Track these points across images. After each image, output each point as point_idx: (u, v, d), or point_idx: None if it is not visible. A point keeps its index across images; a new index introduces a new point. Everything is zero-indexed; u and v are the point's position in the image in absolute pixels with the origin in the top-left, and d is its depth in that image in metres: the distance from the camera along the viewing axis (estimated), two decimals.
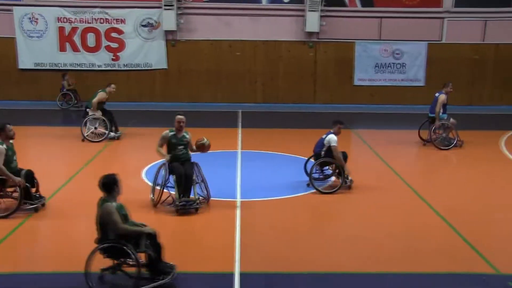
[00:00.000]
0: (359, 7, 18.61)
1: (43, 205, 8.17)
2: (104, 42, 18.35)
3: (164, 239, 6.06)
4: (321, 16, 18.09)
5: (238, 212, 8.21)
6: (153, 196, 8.32)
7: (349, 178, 9.35)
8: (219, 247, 7.02)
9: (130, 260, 5.74)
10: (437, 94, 12.77)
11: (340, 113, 17.56)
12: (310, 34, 18.47)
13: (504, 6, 18.65)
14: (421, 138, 13.20)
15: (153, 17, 18.20)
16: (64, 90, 17.48)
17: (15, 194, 7.89)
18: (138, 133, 13.87)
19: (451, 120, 12.69)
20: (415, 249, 7.26)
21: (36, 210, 7.99)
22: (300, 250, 7.06)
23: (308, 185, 9.47)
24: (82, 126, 12.92)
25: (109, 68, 18.47)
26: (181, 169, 8.12)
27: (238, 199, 8.80)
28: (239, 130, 14.43)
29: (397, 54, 19.01)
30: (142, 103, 18.30)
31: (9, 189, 7.92)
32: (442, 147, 12.54)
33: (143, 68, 18.59)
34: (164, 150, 8.40)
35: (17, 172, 7.87)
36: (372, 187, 9.79)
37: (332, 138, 9.30)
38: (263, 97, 18.98)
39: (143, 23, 18.28)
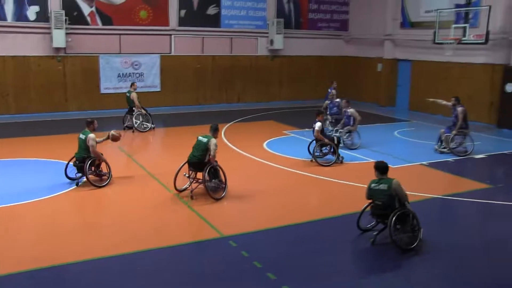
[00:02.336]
0: (100, 25, 20.44)
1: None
2: None
3: None
4: (67, 33, 19.35)
5: None
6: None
7: (341, 156, 12.90)
8: None
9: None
10: (329, 90, 17.52)
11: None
12: (58, 49, 19.63)
13: (215, 27, 22.76)
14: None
15: None
16: None
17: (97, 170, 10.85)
18: None
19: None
20: (164, 225, 8.49)
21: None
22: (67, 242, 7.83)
23: (311, 160, 12.76)
24: (134, 120, 16.66)
25: None
26: None
27: None
28: None
29: (136, 65, 21.39)
30: None
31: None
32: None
33: None
34: None
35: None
36: (121, 180, 11.09)
37: (316, 124, 12.57)
38: (16, 109, 19.40)
39: None
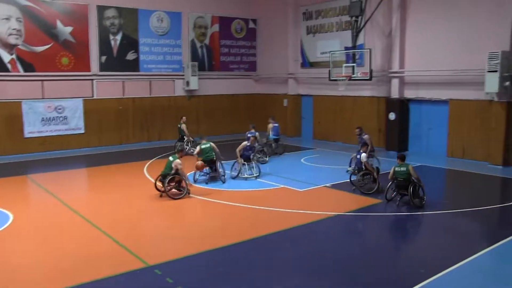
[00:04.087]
0: (22, 72, 19.64)
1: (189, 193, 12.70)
2: None
3: None
4: None
5: None
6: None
7: (381, 184, 12.74)
8: None
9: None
10: (271, 124, 19.08)
11: (14, 162, 18.15)
12: None
13: (135, 71, 22.63)
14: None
15: None
16: None
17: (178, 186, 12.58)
18: None
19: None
20: (89, 259, 8.11)
21: (189, 193, 12.55)
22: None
23: (354, 189, 12.91)
24: (184, 146, 18.88)
25: None
26: None
27: None
28: None
29: (59, 109, 20.66)
30: None
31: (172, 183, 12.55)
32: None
33: None
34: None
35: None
36: (45, 221, 10.64)
37: (363, 155, 12.84)
38: None
39: None
